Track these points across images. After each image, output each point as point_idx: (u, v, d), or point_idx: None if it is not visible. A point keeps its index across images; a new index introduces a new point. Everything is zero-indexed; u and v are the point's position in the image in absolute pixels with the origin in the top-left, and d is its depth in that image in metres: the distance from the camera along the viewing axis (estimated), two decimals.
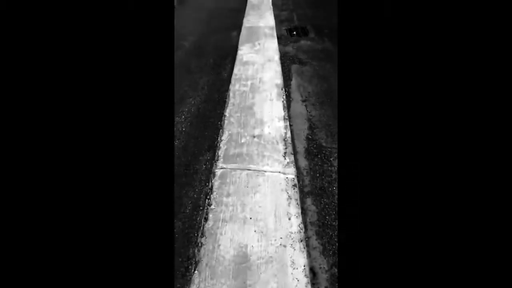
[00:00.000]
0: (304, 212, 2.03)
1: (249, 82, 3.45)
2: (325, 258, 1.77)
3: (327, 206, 2.09)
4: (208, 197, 2.09)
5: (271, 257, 1.72)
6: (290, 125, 2.82)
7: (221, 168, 2.32)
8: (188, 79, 3.66)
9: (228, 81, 3.53)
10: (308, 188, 2.21)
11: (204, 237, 1.82)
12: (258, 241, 1.80)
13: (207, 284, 1.61)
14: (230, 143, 2.58)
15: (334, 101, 3.17)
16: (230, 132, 2.71)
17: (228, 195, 2.09)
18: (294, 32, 4.93)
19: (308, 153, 2.53)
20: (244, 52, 4.19)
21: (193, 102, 3.23)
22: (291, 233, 1.85)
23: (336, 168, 2.36)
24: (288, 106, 3.10)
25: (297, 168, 2.36)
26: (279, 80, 3.48)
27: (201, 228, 1.88)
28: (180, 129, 2.82)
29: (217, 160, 2.40)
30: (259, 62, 3.91)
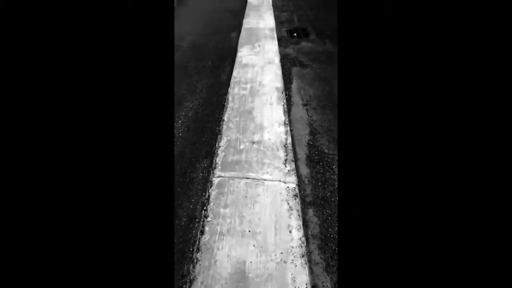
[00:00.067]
0: (305, 224, 1.93)
1: (248, 85, 3.35)
2: (328, 275, 1.67)
3: (329, 217, 1.98)
4: (204, 208, 1.98)
5: (270, 274, 1.61)
6: (291, 130, 2.72)
7: (219, 177, 2.21)
8: (185, 82, 3.56)
9: (227, 84, 3.43)
10: (309, 198, 2.11)
11: (200, 252, 1.71)
12: (257, 256, 1.70)
13: None
14: (228, 149, 2.48)
15: (336, 105, 3.07)
16: (228, 137, 2.60)
17: (226, 206, 1.99)
18: (295, 34, 4.83)
19: (310, 160, 2.43)
20: (244, 54, 4.09)
21: (190, 106, 3.12)
22: (292, 247, 1.75)
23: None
24: (288, 110, 3.00)
25: (298, 176, 2.25)
26: (279, 83, 3.38)
27: (197, 242, 1.77)
28: (176, 135, 2.71)
29: (215, 168, 2.29)
30: (259, 64, 3.81)
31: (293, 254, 1.71)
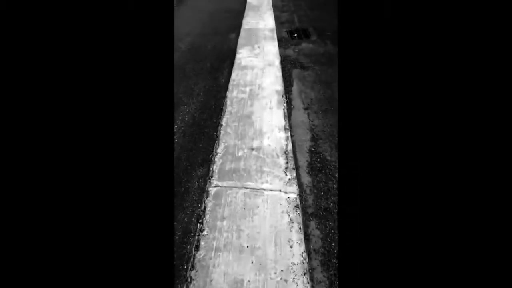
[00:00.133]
0: (307, 238, 1.82)
1: (247, 88, 3.24)
2: None
3: (332, 230, 1.87)
4: (200, 221, 1.87)
5: None
6: (292, 136, 2.61)
7: (216, 186, 2.10)
8: (183, 84, 3.45)
9: (225, 87, 3.32)
10: (311, 209, 2.00)
11: (195, 270, 1.60)
12: (255, 274, 1.59)
13: None
14: (226, 156, 2.37)
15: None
16: (226, 144, 2.49)
17: (223, 218, 1.88)
18: (295, 34, 4.72)
19: (311, 168, 2.31)
20: (243, 55, 3.98)
21: (187, 109, 3.01)
22: (293, 264, 1.64)
23: None
24: (289, 114, 2.89)
25: (300, 185, 2.14)
26: (279, 86, 3.27)
27: (192, 259, 1.66)
28: None
29: (211, 177, 2.18)
30: (259, 66, 3.70)
31: (294, 272, 1.60)
